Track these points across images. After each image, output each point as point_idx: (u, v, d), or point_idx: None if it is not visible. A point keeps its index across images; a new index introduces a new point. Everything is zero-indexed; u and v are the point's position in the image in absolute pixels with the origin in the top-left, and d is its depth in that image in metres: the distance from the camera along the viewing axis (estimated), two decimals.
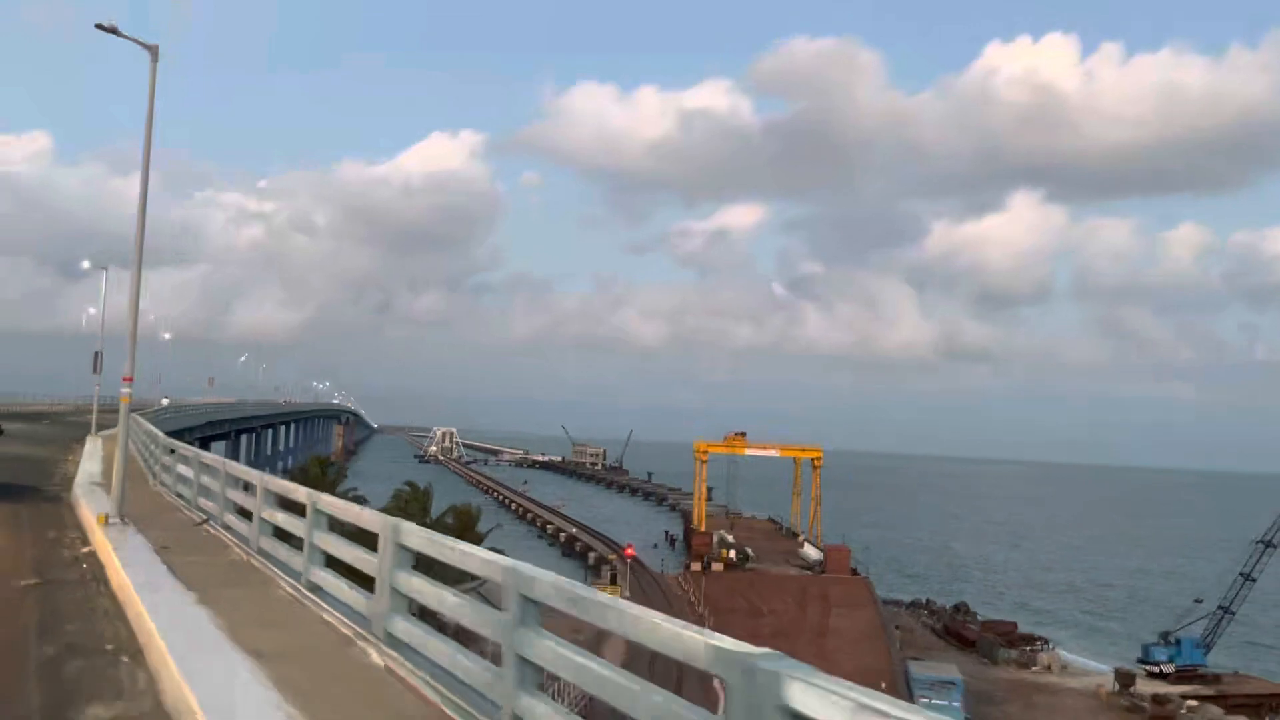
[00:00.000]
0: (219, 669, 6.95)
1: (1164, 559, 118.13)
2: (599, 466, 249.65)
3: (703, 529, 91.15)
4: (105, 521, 13.82)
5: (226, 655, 7.29)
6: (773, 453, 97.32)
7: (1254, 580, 55.11)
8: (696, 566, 75.01)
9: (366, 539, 8.65)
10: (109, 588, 10.73)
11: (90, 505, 15.91)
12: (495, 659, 5.78)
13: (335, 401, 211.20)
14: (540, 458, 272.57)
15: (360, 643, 7.75)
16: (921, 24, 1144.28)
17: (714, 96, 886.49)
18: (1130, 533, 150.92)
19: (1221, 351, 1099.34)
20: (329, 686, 6.66)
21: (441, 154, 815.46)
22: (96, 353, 18.61)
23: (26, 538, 14.27)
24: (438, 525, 56.22)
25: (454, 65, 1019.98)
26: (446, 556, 6.87)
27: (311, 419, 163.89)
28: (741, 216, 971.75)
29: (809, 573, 75.63)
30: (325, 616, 8.79)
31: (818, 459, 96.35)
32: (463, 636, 7.06)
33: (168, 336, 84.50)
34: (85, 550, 13.12)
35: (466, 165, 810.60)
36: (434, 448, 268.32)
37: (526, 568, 5.57)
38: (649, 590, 68.88)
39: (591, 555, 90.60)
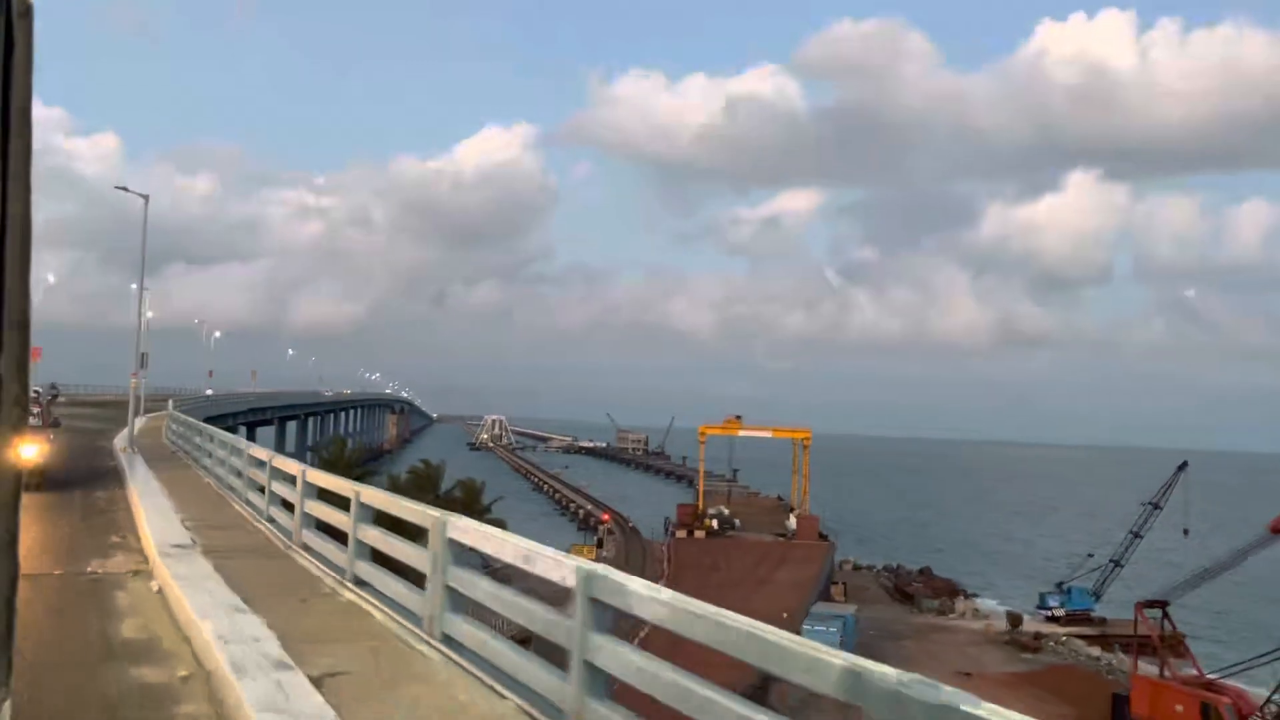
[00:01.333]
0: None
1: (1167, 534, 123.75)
2: (641, 452, 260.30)
3: (701, 504, 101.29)
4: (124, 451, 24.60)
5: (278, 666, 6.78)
6: (766, 434, 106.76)
7: (1141, 537, 63.16)
8: (682, 534, 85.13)
9: (407, 530, 8.99)
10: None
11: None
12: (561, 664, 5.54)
13: (387, 391, 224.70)
14: (586, 444, 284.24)
15: (418, 644, 7.40)
16: (973, 3, 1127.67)
17: (761, 81, 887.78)
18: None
19: None
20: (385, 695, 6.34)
21: (495, 147, 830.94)
22: (143, 354, 28.23)
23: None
24: (446, 499, 67.22)
25: (505, 57, 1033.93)
26: (501, 552, 6.67)
27: (363, 407, 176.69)
28: (793, 203, 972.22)
29: (782, 539, 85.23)
30: (373, 613, 8.69)
31: (807, 440, 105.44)
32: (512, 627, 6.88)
33: (217, 335, 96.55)
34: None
35: (519, 157, 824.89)
36: (485, 435, 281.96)
37: (607, 571, 5.42)
38: (632, 554, 79.43)
39: (602, 528, 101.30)
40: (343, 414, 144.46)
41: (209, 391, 75.90)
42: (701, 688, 4.39)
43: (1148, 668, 43.59)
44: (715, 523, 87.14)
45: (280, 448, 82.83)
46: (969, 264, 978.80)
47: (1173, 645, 44.41)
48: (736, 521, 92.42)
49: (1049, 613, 61.60)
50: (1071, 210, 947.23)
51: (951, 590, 72.57)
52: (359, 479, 12.47)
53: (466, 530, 7.35)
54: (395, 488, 71.03)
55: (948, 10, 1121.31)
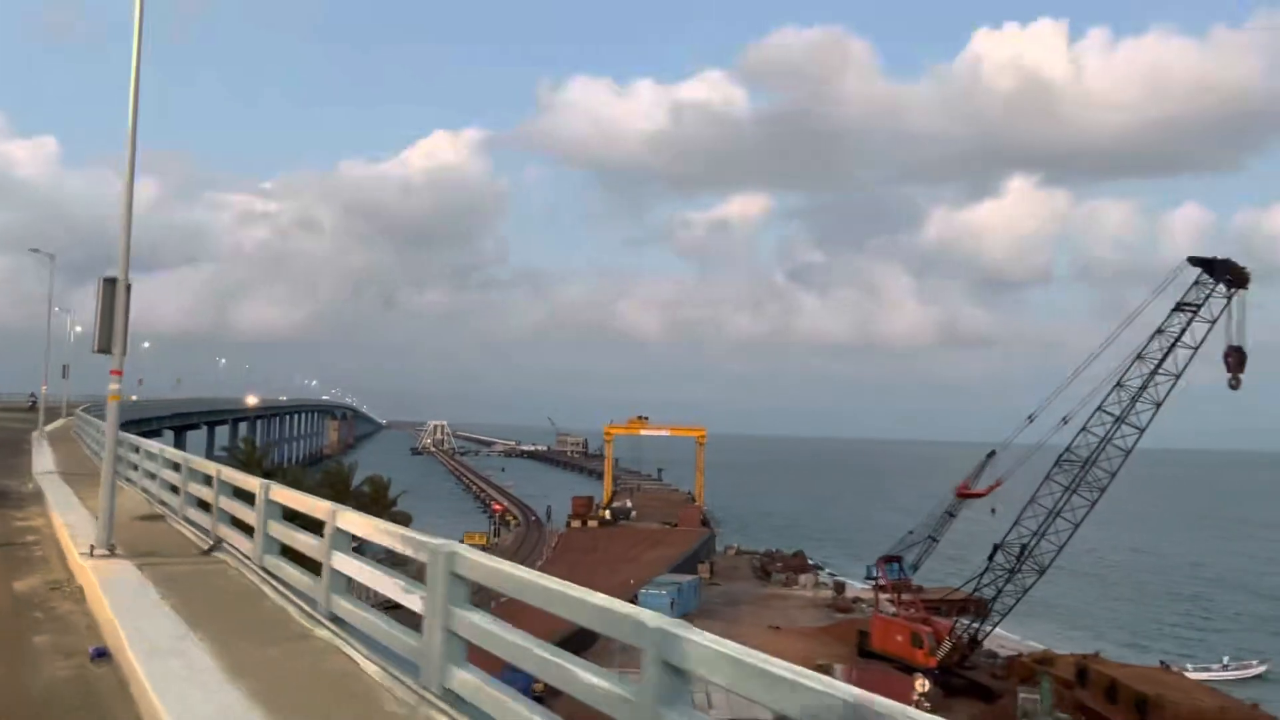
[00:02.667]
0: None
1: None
2: (579, 454, 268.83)
3: (607, 497, 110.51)
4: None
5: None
6: (665, 433, 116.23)
7: (954, 516, 73.00)
8: (576, 523, 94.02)
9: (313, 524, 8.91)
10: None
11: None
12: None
13: (325, 398, 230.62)
14: (528, 448, 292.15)
15: (424, 708, 6.06)
16: (911, 12, 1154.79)
17: (708, 88, 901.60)
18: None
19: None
20: None
21: (444, 151, 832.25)
22: (64, 365, 35.35)
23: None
24: (355, 495, 75.17)
25: (454, 61, 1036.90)
26: (381, 539, 6.97)
27: (300, 413, 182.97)
28: (741, 207, 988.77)
29: (669, 526, 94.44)
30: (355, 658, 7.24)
31: (702, 437, 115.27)
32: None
33: (146, 345, 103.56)
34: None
35: (468, 161, 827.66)
36: (427, 440, 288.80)
37: (467, 551, 5.92)
38: (528, 541, 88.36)
39: (496, 518, 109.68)
40: (277, 419, 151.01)
41: (134, 398, 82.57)
42: (537, 648, 5.14)
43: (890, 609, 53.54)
44: (608, 513, 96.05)
45: (210, 453, 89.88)
46: (913, 266, 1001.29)
47: (904, 590, 54.22)
48: (633, 513, 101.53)
49: (874, 582, 71.22)
50: (1012, 214, 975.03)
51: (802, 567, 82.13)
52: (268, 475, 13.53)
53: (353, 521, 7.94)
54: (308, 486, 78.90)
55: (888, 19, 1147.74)
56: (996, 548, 47.74)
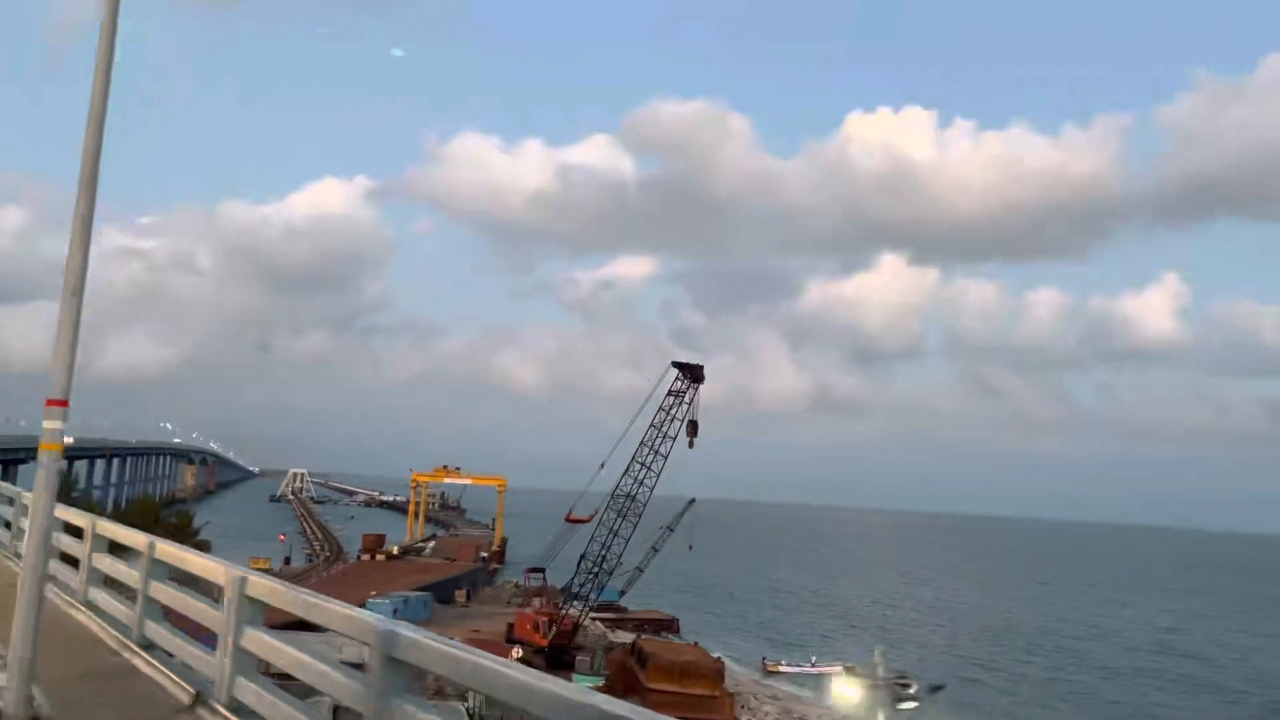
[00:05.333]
0: None
1: (852, 584, 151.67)
2: (436, 507, 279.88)
3: (410, 536, 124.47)
4: None
5: None
6: (467, 481, 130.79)
7: (658, 550, 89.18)
8: (365, 556, 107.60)
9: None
10: None
11: None
12: None
13: (177, 441, 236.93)
14: (388, 498, 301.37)
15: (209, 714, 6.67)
16: (791, 91, 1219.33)
17: (594, 151, 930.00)
18: (880, 569, 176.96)
19: (1075, 407, 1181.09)
20: None
21: (330, 197, 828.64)
22: None
23: None
24: (162, 525, 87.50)
25: (343, 109, 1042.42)
26: (292, 607, 6.58)
27: (148, 456, 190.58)
28: (627, 268, 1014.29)
29: (449, 561, 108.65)
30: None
31: (502, 486, 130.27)
32: None
33: None
34: None
35: (354, 208, 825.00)
36: (286, 488, 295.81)
37: (258, 576, 7.14)
38: (318, 567, 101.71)
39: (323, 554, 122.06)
40: (116, 460, 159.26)
41: None
42: (299, 651, 6.21)
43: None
44: (395, 549, 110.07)
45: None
46: (790, 334, 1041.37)
47: (554, 594, 70.01)
48: (425, 550, 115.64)
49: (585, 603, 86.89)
50: (884, 288, 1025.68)
51: (540, 592, 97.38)
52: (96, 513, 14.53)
53: (171, 553, 9.05)
54: (121, 517, 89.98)
55: (768, 96, 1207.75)
56: (583, 557, 63.80)
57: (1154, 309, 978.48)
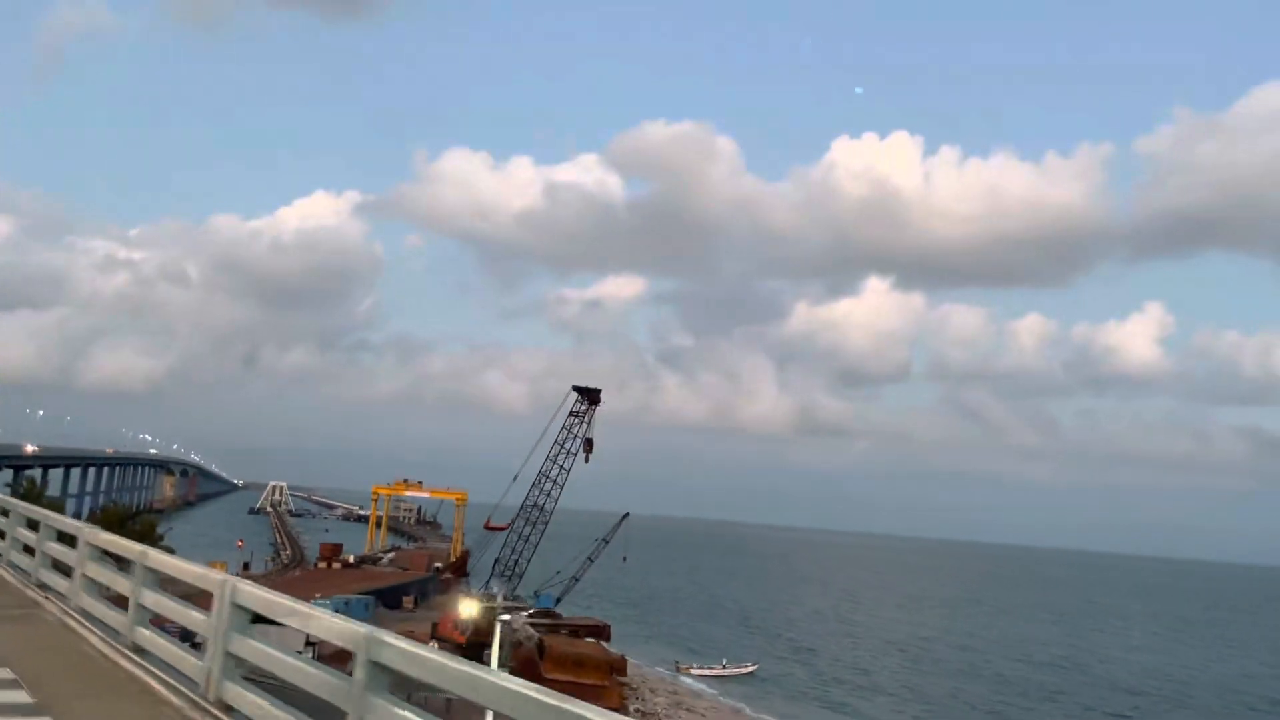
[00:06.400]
0: None
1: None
2: (412, 522, 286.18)
3: (370, 547, 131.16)
4: None
5: None
6: (425, 494, 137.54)
7: (593, 561, 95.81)
8: (322, 564, 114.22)
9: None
10: None
11: None
12: None
13: (152, 452, 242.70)
14: (365, 512, 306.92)
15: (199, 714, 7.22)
16: (778, 115, 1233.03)
17: (582, 171, 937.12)
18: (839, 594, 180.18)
19: (1059, 434, 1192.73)
20: None
21: (320, 212, 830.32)
22: None
23: None
24: (126, 532, 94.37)
25: (334, 123, 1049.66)
26: (272, 612, 7.16)
27: (124, 466, 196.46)
28: (615, 288, 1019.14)
29: (402, 570, 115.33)
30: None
31: (460, 499, 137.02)
32: None
33: None
34: None
35: (343, 224, 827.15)
36: (265, 500, 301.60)
37: (239, 581, 7.60)
38: (278, 572, 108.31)
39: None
40: (92, 470, 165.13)
41: None
42: (285, 655, 6.68)
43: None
44: (352, 558, 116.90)
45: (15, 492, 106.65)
46: (777, 356, 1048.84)
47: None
48: (384, 559, 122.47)
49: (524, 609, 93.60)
50: (869, 313, 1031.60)
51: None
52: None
53: (161, 560, 9.51)
54: (98, 522, 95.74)
55: (755, 120, 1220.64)
56: (496, 561, 70.75)
57: (1136, 337, 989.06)
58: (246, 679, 7.30)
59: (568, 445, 63.78)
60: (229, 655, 7.30)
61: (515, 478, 69.15)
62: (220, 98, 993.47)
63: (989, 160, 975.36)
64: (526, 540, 67.28)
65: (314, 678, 6.20)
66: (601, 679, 58.47)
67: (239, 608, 7.36)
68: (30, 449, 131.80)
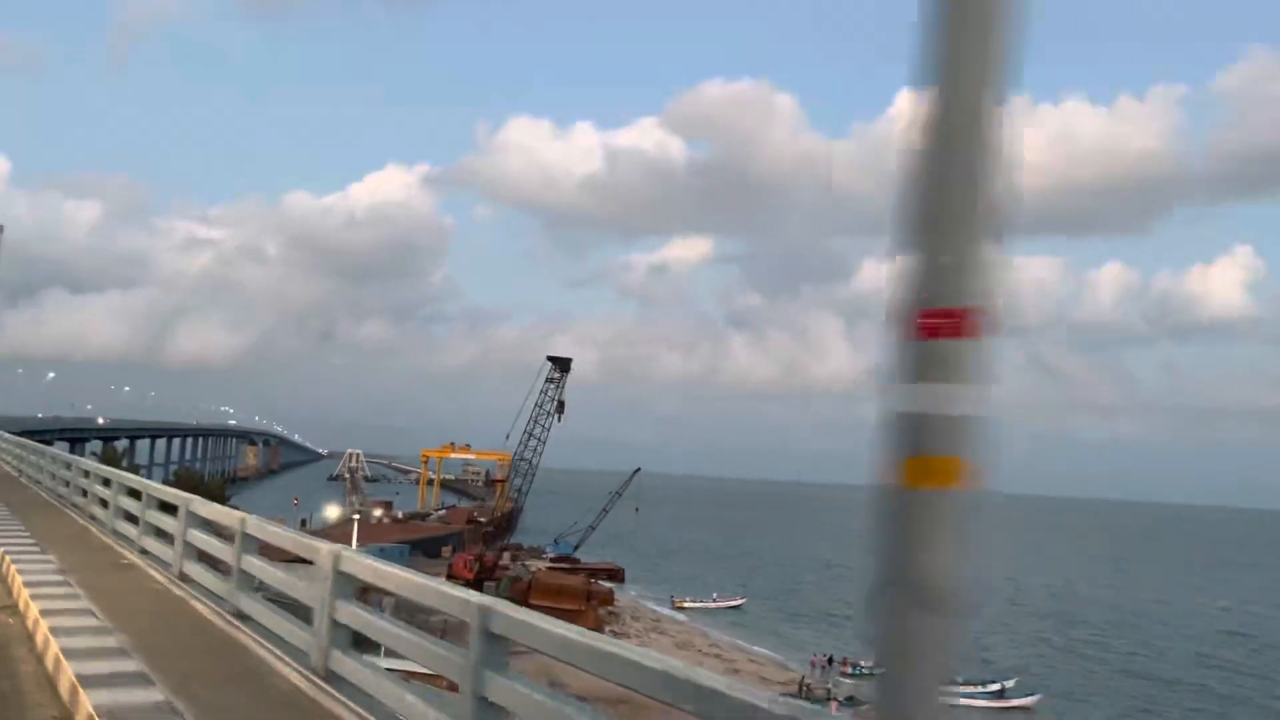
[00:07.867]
0: None
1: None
2: (479, 484, 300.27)
3: (421, 504, 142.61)
4: None
5: None
6: (470, 456, 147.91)
7: (608, 512, 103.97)
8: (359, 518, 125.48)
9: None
10: None
11: None
12: None
13: (232, 423, 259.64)
14: (435, 476, 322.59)
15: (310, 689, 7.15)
16: (841, 69, 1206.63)
17: (642, 134, 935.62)
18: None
19: (1139, 387, 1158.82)
20: None
21: (391, 186, 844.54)
22: None
23: None
24: (200, 492, 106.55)
25: (401, 98, 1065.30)
26: (383, 581, 7.13)
27: (210, 437, 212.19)
28: (680, 251, 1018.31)
29: (444, 524, 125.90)
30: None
31: (505, 460, 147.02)
32: None
33: (51, 375, 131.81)
34: None
35: (413, 198, 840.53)
36: (343, 467, 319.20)
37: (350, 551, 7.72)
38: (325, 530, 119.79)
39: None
40: (177, 440, 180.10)
41: (39, 414, 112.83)
42: (394, 627, 6.82)
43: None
44: (400, 514, 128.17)
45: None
46: (845, 314, 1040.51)
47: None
48: (433, 516, 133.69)
49: (547, 554, 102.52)
50: None
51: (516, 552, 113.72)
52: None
53: (260, 528, 9.77)
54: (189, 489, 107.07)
55: (816, 76, 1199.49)
56: (493, 511, 79.48)
57: (1223, 283, 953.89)
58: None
59: (546, 408, 72.28)
60: (336, 624, 7.39)
61: (507, 437, 77.87)
62: (288, 76, 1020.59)
63: (1060, 106, 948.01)
64: (519, 491, 76.21)
65: (424, 649, 6.28)
66: (578, 604, 66.90)
67: (344, 575, 7.45)
68: (101, 421, 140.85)
